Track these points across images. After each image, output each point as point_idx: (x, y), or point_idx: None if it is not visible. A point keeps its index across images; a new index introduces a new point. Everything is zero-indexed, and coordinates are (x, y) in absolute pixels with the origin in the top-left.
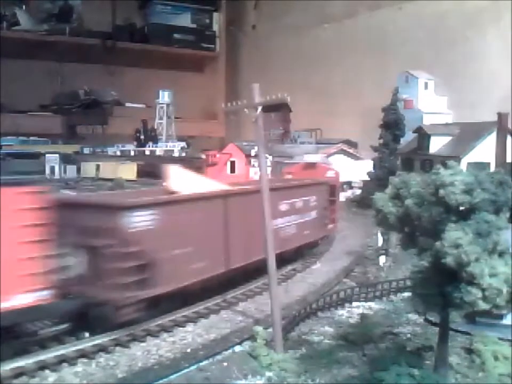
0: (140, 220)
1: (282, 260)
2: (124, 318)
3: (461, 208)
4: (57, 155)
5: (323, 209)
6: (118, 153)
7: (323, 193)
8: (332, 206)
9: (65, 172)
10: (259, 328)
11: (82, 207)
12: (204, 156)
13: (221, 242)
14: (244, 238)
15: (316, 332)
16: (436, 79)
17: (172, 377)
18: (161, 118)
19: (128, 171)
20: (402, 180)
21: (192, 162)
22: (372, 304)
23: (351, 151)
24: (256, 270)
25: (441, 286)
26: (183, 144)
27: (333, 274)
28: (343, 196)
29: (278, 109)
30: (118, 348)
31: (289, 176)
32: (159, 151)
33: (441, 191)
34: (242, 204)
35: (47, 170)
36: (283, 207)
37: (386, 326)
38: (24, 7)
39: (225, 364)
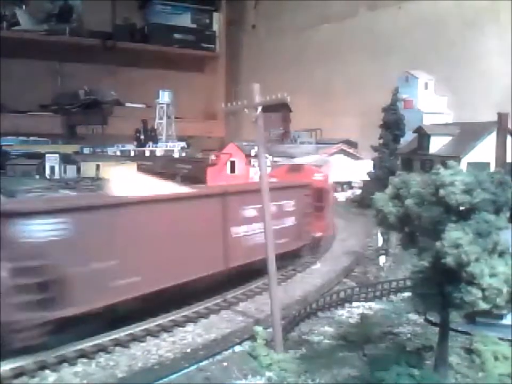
0: (41, 229)
1: (251, 272)
2: (22, 343)
3: (461, 208)
4: (57, 155)
5: (304, 215)
6: (118, 153)
7: (304, 197)
8: (319, 212)
9: (65, 171)
10: (259, 328)
11: None
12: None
13: (161, 254)
14: (192, 249)
15: (316, 331)
16: (435, 79)
17: (172, 377)
18: (161, 118)
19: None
20: (402, 179)
21: (202, 163)
22: (372, 304)
23: (351, 151)
24: (210, 286)
25: (441, 286)
26: (183, 144)
27: (333, 274)
28: (343, 196)
29: (278, 109)
30: (118, 348)
31: (273, 180)
32: (159, 151)
33: (441, 191)
34: (191, 210)
35: (47, 170)
36: (249, 212)
37: (386, 326)
38: (24, 7)
39: (225, 363)
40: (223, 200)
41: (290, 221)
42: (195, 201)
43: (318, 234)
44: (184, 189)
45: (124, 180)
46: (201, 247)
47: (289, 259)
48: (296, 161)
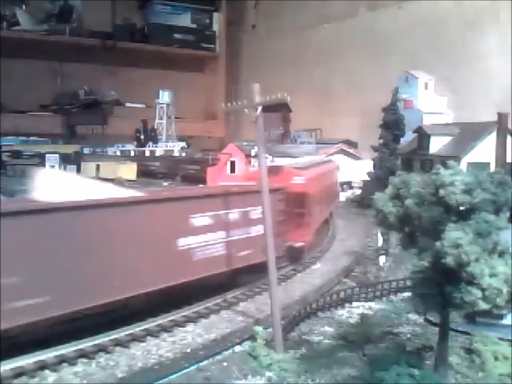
0: None
1: (205, 288)
2: None
3: (461, 208)
4: (57, 155)
5: (277, 223)
6: (118, 153)
7: (277, 203)
8: (299, 220)
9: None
10: (259, 328)
11: None
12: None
13: (82, 269)
14: (124, 263)
15: (316, 331)
16: (435, 79)
17: (172, 377)
18: (161, 118)
19: (128, 171)
20: (402, 179)
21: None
22: (372, 304)
23: (351, 151)
24: (142, 307)
25: (441, 286)
26: (183, 144)
27: (333, 274)
28: (343, 196)
29: (278, 109)
30: (118, 348)
31: (251, 183)
32: (159, 151)
33: (441, 191)
34: (125, 218)
35: None
36: (199, 220)
37: (386, 326)
38: (24, 7)
39: (225, 363)
40: (168, 206)
41: (257, 230)
42: (130, 207)
43: (298, 244)
44: (123, 193)
45: (50, 183)
46: (137, 260)
47: (258, 273)
48: (277, 162)
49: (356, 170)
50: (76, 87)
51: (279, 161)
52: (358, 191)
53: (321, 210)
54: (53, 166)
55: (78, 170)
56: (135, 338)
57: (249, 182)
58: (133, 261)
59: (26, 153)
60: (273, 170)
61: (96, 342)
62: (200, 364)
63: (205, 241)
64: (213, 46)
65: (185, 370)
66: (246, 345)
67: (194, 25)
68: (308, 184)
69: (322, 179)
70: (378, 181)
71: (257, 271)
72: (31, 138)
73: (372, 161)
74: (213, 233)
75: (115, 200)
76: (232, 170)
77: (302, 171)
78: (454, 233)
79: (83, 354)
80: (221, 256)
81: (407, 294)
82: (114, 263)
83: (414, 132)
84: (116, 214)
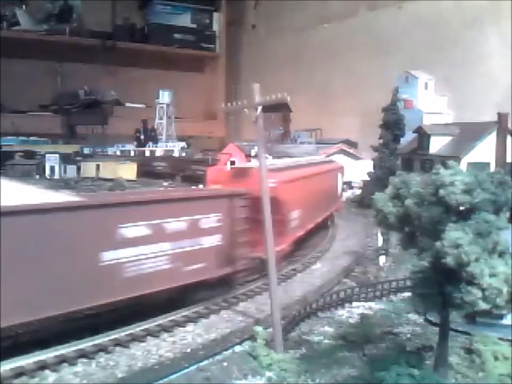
0: None
1: (140, 310)
2: None
3: (461, 208)
4: (57, 155)
5: (237, 232)
6: (118, 153)
7: (238, 210)
8: (275, 228)
9: (65, 171)
10: (259, 328)
11: None
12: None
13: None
14: (28, 281)
15: (316, 332)
16: (435, 79)
17: (172, 377)
18: (161, 118)
19: (128, 171)
20: (402, 179)
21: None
22: (372, 304)
23: (351, 151)
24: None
25: (441, 286)
26: (183, 144)
27: (333, 274)
28: (343, 196)
29: (278, 109)
30: (118, 348)
31: (218, 186)
32: (159, 151)
33: (441, 191)
34: (31, 227)
35: (47, 171)
36: (131, 231)
37: (386, 326)
38: (24, 7)
39: (225, 363)
40: (91, 214)
41: (211, 241)
42: (41, 215)
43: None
44: (38, 198)
45: None
46: (47, 278)
47: (215, 288)
48: (248, 163)
49: (356, 170)
50: (76, 87)
51: (251, 163)
52: (358, 191)
53: (308, 216)
54: (53, 166)
55: (78, 170)
56: (135, 338)
57: (215, 185)
58: (42, 279)
59: (39, 154)
60: (240, 173)
61: (96, 342)
62: (200, 364)
63: (138, 255)
64: (213, 46)
65: (185, 370)
66: (246, 345)
67: (194, 25)
68: (280, 188)
69: (308, 181)
70: (378, 181)
71: (214, 286)
72: (31, 138)
73: (372, 161)
74: (149, 246)
75: (22, 208)
76: None
77: (275, 173)
78: (454, 233)
79: (83, 354)
80: (162, 271)
81: (407, 294)
82: (20, 280)
83: (414, 132)
84: (22, 222)
